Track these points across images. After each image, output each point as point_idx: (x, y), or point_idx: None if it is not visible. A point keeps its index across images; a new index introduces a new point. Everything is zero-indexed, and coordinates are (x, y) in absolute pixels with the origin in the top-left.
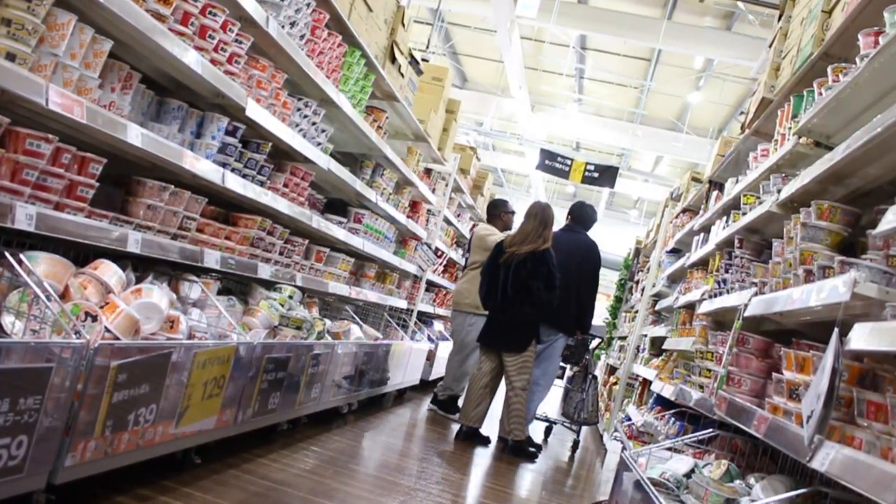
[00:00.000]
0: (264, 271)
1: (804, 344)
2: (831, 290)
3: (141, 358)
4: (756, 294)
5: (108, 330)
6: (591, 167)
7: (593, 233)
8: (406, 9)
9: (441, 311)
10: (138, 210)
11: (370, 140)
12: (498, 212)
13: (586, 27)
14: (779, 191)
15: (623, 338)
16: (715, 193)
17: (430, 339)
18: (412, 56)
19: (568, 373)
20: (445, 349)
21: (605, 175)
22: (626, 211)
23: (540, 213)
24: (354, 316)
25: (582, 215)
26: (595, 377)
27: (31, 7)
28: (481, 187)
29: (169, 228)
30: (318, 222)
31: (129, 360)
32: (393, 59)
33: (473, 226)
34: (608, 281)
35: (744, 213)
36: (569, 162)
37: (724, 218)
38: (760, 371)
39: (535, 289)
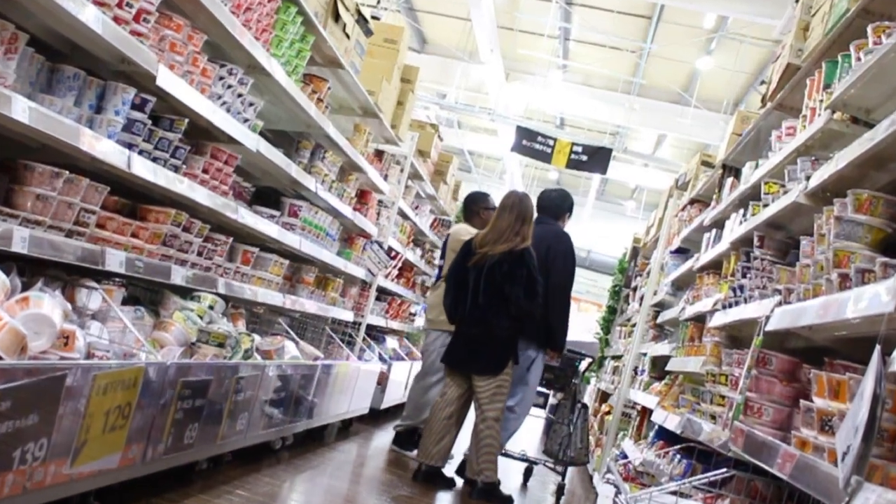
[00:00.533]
0: (179, 276)
1: (839, 365)
2: (872, 299)
3: (28, 382)
4: (780, 304)
5: None
6: (579, 149)
7: (578, 228)
8: None
9: (395, 325)
10: (25, 201)
11: (309, 115)
12: (476, 208)
13: None
14: (807, 177)
15: (617, 357)
16: (730, 181)
17: (381, 358)
18: (360, 13)
19: (552, 401)
20: (400, 371)
21: (595, 158)
22: (622, 202)
23: (517, 206)
24: (289, 330)
25: (548, 203)
26: (585, 406)
27: None
28: (444, 173)
29: (63, 223)
30: (245, 216)
31: (12, 385)
32: (336, 17)
33: (435, 221)
34: (599, 288)
35: (765, 205)
36: (551, 142)
37: (741, 210)
38: (785, 398)
39: (513, 296)
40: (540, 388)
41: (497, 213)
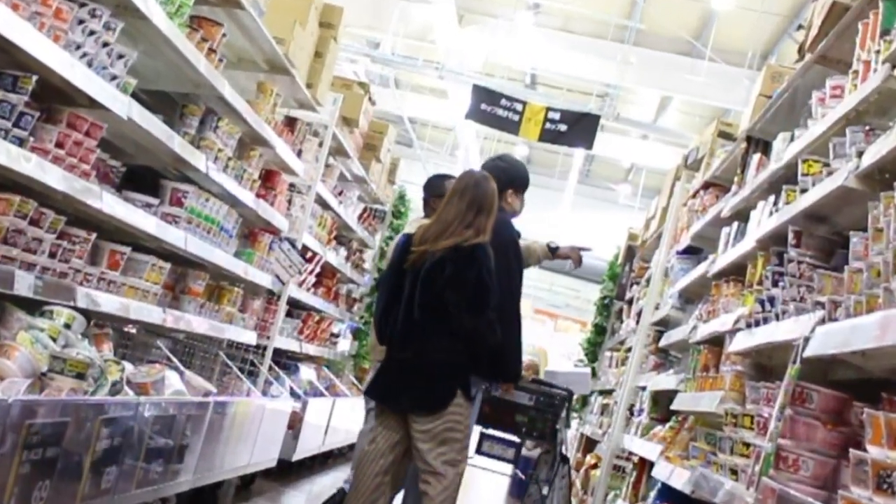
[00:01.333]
0: (25, 284)
1: None
2: None
3: None
4: (823, 321)
5: None
6: (556, 115)
7: (554, 220)
8: None
9: (312, 350)
10: None
11: (197, 71)
12: (430, 196)
13: None
14: (859, 153)
15: (607, 392)
16: (756, 158)
17: (294, 394)
18: None
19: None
20: (319, 410)
21: (577, 128)
22: (612, 186)
23: (470, 189)
24: (172, 357)
25: (496, 175)
26: (566, 460)
27: None
28: (377, 148)
29: None
30: (113, 205)
31: None
32: None
33: (366, 212)
34: (583, 301)
35: (803, 190)
36: (519, 107)
37: (772, 197)
38: (830, 446)
39: (454, 308)
40: (510, 437)
41: (445, 199)
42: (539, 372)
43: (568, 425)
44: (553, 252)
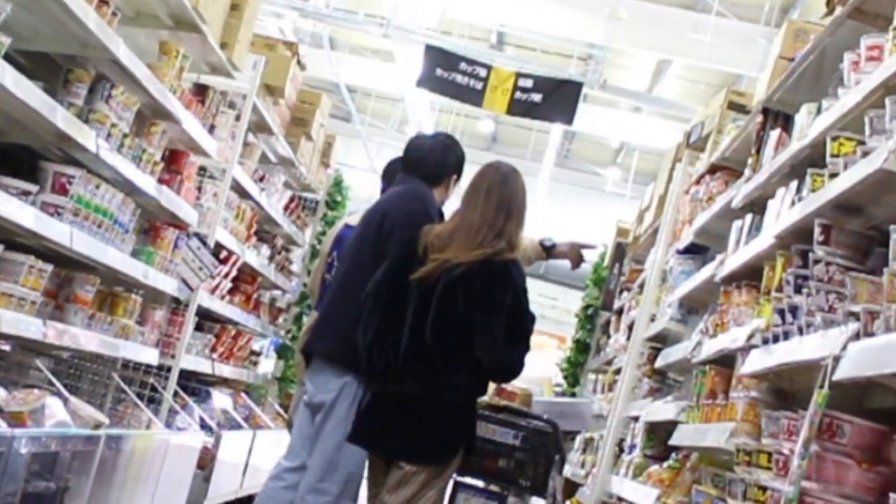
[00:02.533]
0: None
1: None
2: None
3: None
4: (857, 336)
5: None
6: (528, 83)
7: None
8: None
9: (228, 371)
10: None
11: (85, 28)
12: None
13: None
14: None
15: None
16: (775, 134)
17: (205, 425)
18: None
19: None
20: (236, 446)
21: (554, 98)
22: (598, 171)
23: (497, 188)
24: (54, 380)
25: (417, 154)
26: None
27: None
28: (308, 123)
29: None
30: None
31: None
32: None
33: (294, 201)
34: (561, 311)
35: (833, 175)
36: (483, 72)
37: (794, 184)
38: (866, 489)
39: (487, 335)
40: (492, 487)
41: (466, 198)
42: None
43: (560, 471)
44: (548, 251)
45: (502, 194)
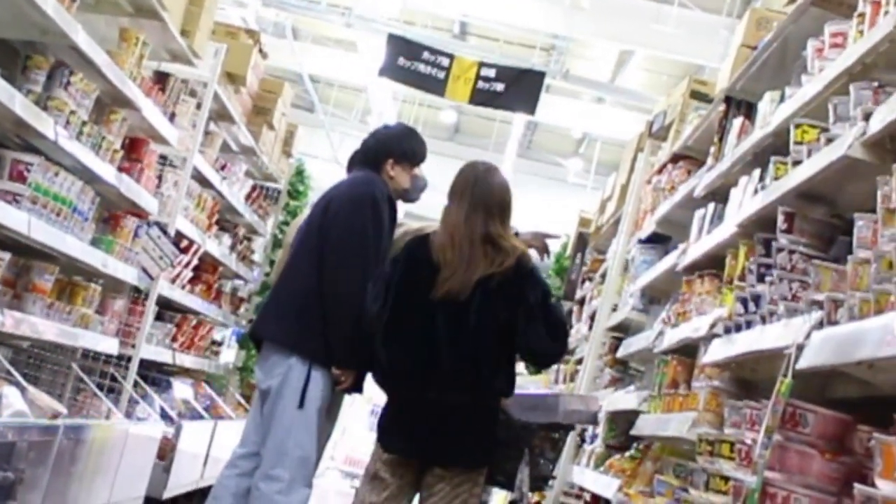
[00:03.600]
0: None
1: None
2: None
3: None
4: (821, 325)
5: None
6: (490, 72)
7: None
8: None
9: (189, 361)
10: None
11: (44, 14)
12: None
13: None
14: (866, 116)
15: None
16: (737, 123)
17: (165, 416)
18: None
19: None
20: (196, 436)
21: (517, 88)
22: (561, 161)
23: (498, 190)
24: (11, 369)
25: (363, 145)
26: (523, 502)
27: None
28: (270, 112)
29: None
30: None
31: None
32: None
33: (255, 191)
34: None
35: (796, 163)
36: (445, 62)
37: (757, 172)
38: (829, 479)
39: (533, 337)
40: None
41: (465, 201)
42: None
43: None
44: None
45: (490, 194)
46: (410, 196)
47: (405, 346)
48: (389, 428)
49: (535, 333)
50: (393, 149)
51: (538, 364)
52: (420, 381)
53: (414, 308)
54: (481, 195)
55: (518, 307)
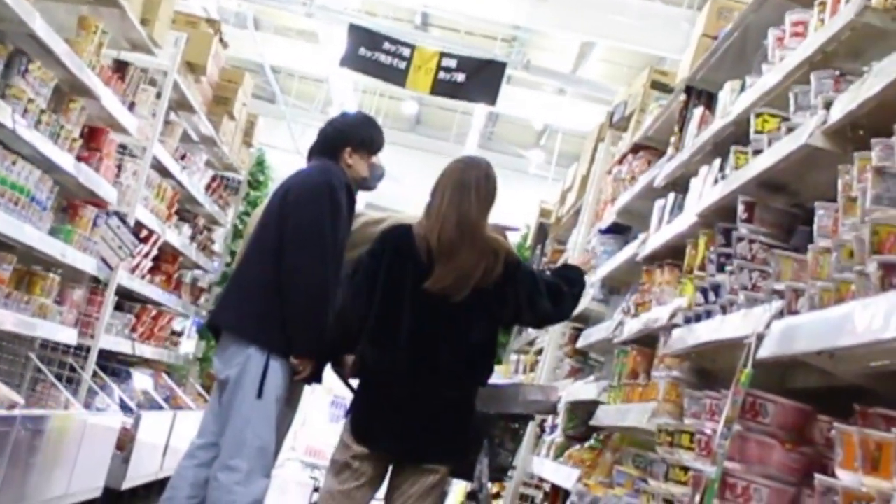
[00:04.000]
0: None
1: (879, 415)
2: None
3: None
4: (781, 314)
5: None
6: (451, 63)
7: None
8: None
9: (149, 352)
10: None
11: (1, 1)
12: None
13: None
14: (827, 105)
15: None
16: (698, 113)
17: (125, 406)
18: None
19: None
20: (156, 426)
21: (478, 79)
22: (522, 153)
23: (483, 182)
24: None
25: (320, 134)
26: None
27: None
28: (230, 102)
29: None
30: None
31: None
32: None
33: (216, 181)
34: None
35: (756, 152)
36: (406, 52)
37: (718, 161)
38: (789, 470)
39: (542, 315)
40: None
41: (454, 193)
42: None
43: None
44: None
45: (487, 191)
46: (368, 184)
47: (396, 344)
48: (369, 424)
49: (541, 311)
50: (351, 137)
51: (550, 325)
52: (410, 380)
53: (402, 305)
54: (490, 193)
55: (516, 303)
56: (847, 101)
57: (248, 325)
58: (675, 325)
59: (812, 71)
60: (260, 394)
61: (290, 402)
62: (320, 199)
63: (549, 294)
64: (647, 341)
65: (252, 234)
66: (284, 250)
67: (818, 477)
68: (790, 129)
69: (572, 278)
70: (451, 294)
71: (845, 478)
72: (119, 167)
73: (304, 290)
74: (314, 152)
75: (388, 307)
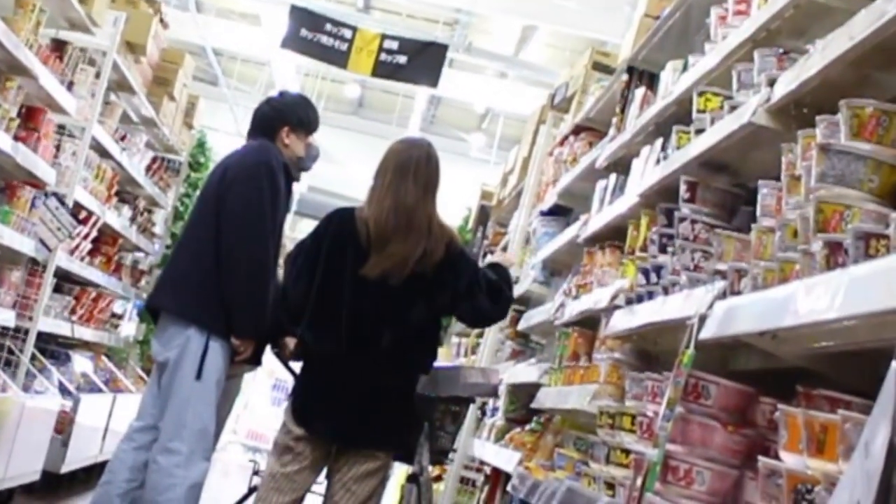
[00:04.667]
0: None
1: (822, 396)
2: (886, 283)
3: None
4: (724, 295)
5: None
6: (394, 44)
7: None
8: None
9: (88, 334)
10: None
11: None
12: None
13: None
14: (771, 82)
15: None
16: (640, 93)
17: (64, 389)
18: None
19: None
20: (95, 410)
21: (420, 61)
22: (463, 136)
23: (423, 166)
24: None
25: (257, 114)
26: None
27: None
28: (171, 83)
29: None
30: None
31: None
32: None
33: (156, 162)
34: None
35: (699, 131)
36: (348, 34)
37: (660, 141)
38: (731, 452)
39: (476, 310)
40: None
41: (393, 178)
42: None
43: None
44: None
45: (428, 174)
46: (304, 164)
47: (335, 328)
48: (309, 408)
49: (479, 306)
50: (289, 117)
51: (485, 325)
52: (351, 364)
53: (342, 287)
54: (431, 175)
55: (454, 289)
56: (791, 79)
57: (187, 306)
58: (617, 307)
59: (755, 49)
60: (199, 375)
61: (230, 384)
62: (258, 179)
63: (489, 291)
64: (589, 323)
65: (190, 215)
66: (222, 231)
67: (762, 459)
68: (733, 108)
69: (507, 279)
70: (388, 277)
71: (790, 460)
72: (57, 148)
73: (244, 271)
74: (252, 131)
75: (327, 290)
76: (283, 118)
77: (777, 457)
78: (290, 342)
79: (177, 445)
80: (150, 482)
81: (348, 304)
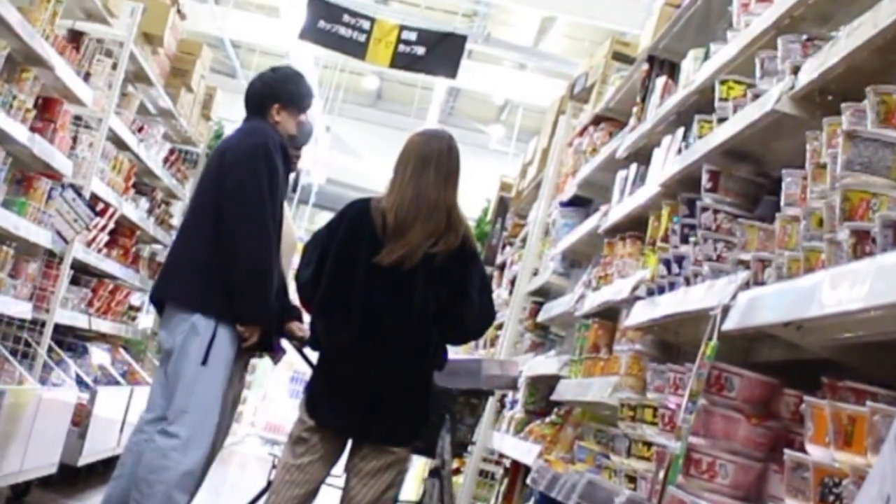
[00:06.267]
0: None
1: (848, 388)
2: None
3: None
4: (747, 285)
5: None
6: (411, 36)
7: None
8: None
9: (106, 326)
10: None
11: None
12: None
13: None
14: (795, 70)
15: None
16: (661, 82)
17: (81, 382)
18: None
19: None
20: (113, 402)
21: (438, 52)
22: (482, 128)
23: (445, 158)
24: None
25: (249, 91)
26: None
27: None
28: (188, 74)
29: None
30: None
31: None
32: None
33: (174, 154)
34: None
35: (721, 120)
36: (366, 25)
37: (681, 131)
38: (756, 445)
39: (469, 312)
40: None
41: (414, 170)
42: None
43: (450, 431)
44: None
45: (450, 166)
46: (297, 142)
47: (345, 318)
48: (322, 401)
49: (470, 314)
50: (279, 94)
51: (456, 341)
52: (361, 357)
53: (354, 278)
54: (452, 167)
55: (459, 286)
56: (815, 66)
57: (190, 293)
58: (638, 298)
59: (779, 36)
60: (205, 360)
61: (236, 372)
62: (256, 161)
63: (482, 306)
64: (609, 314)
65: (190, 202)
66: (223, 215)
67: (788, 452)
68: (756, 96)
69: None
70: (402, 263)
71: (816, 453)
72: (74, 139)
73: (246, 254)
74: (246, 110)
75: (338, 279)
76: (274, 95)
77: (802, 449)
78: (297, 328)
79: (177, 429)
80: (145, 459)
81: (360, 295)
